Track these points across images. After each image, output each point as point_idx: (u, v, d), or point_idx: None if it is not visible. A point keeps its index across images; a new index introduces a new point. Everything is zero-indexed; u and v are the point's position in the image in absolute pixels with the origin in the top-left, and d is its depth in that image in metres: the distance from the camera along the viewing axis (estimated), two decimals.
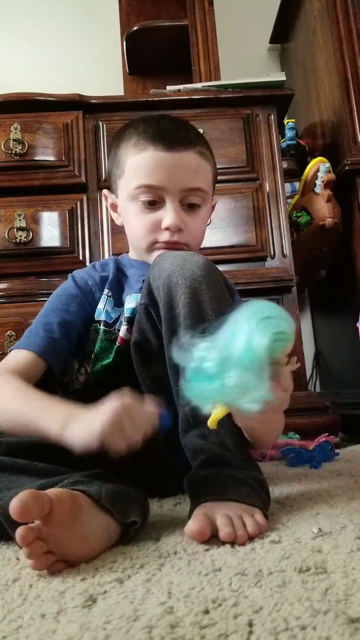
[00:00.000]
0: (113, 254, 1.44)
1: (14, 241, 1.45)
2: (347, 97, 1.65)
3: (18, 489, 0.56)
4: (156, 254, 0.84)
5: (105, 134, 1.56)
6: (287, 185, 1.71)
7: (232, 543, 0.57)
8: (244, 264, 1.53)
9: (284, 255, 1.53)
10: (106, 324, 0.86)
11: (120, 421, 0.57)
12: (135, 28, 1.97)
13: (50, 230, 1.48)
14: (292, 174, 1.78)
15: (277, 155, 1.59)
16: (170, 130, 0.86)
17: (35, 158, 1.51)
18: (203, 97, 1.59)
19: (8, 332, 1.38)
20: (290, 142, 1.85)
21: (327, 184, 1.59)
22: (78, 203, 1.51)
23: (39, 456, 0.65)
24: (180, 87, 1.62)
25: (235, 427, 0.66)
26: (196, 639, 0.35)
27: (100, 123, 1.57)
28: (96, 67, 2.21)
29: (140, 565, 0.52)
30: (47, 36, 2.25)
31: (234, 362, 0.52)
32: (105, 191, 0.97)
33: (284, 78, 1.64)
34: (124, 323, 0.84)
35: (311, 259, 1.73)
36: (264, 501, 0.65)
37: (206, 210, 0.90)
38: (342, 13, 1.69)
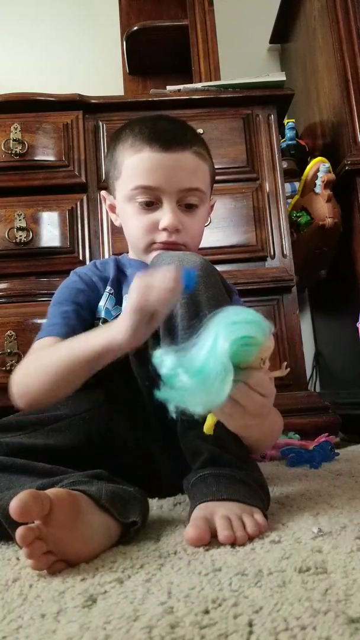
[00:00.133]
0: (113, 254, 1.43)
1: (14, 241, 1.45)
2: (347, 97, 1.65)
3: (18, 489, 0.57)
4: (154, 254, 0.84)
5: (105, 134, 1.56)
6: (287, 185, 1.71)
7: (232, 544, 0.56)
8: (244, 264, 1.53)
9: (284, 255, 1.53)
10: (106, 322, 0.86)
11: (146, 295, 0.57)
12: (135, 28, 1.97)
13: (50, 230, 1.48)
14: (292, 174, 1.78)
15: (277, 155, 1.59)
16: (167, 131, 0.86)
17: (35, 158, 1.51)
18: (203, 97, 1.59)
19: (8, 332, 1.38)
20: (290, 142, 1.85)
21: (327, 184, 1.59)
22: (78, 203, 1.51)
23: (38, 456, 0.65)
24: (180, 87, 1.62)
25: None
26: (196, 639, 0.35)
27: (100, 123, 1.57)
28: (96, 67, 2.21)
29: (140, 565, 0.52)
30: (47, 36, 2.25)
31: (198, 367, 0.51)
32: (103, 192, 0.97)
33: (284, 78, 1.64)
34: None
35: (311, 259, 1.73)
36: (263, 501, 0.65)
37: (204, 211, 0.90)
38: (342, 13, 1.69)
